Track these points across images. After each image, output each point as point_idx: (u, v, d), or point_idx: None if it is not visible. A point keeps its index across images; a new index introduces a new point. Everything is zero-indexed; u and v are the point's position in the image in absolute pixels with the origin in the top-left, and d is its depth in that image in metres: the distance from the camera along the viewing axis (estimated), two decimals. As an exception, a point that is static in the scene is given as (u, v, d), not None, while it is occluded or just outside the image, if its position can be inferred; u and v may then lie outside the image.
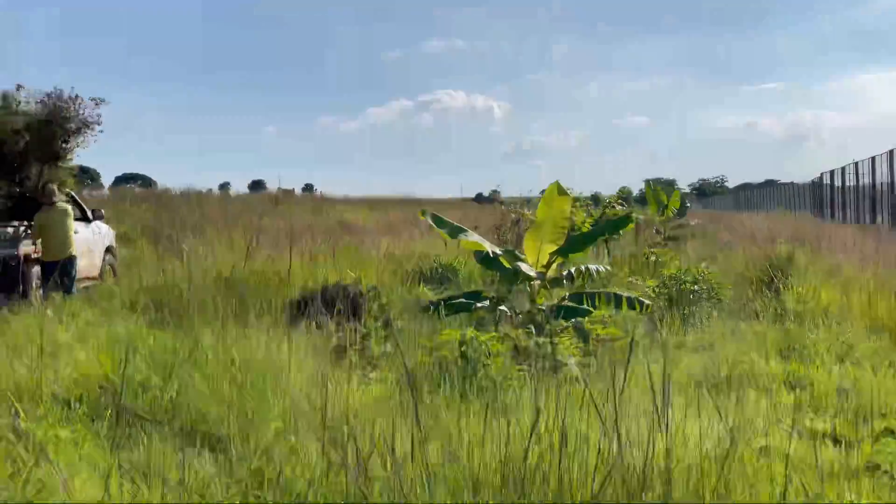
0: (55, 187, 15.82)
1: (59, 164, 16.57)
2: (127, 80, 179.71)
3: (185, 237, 20.24)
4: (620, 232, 11.06)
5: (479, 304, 11.03)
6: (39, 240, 15.28)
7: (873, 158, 45.36)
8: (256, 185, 65.66)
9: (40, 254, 15.22)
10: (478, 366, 8.73)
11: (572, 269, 11.13)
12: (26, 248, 15.09)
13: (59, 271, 14.54)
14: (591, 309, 10.61)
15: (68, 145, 16.82)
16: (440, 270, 16.58)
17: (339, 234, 21.64)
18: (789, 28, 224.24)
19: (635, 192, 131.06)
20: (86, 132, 16.85)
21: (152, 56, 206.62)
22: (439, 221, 11.52)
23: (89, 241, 17.32)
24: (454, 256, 17.38)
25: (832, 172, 55.10)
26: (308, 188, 73.77)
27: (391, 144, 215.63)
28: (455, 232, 11.39)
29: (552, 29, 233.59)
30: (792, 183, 71.06)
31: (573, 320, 10.56)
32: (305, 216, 34.09)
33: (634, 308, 10.91)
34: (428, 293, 13.85)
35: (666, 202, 25.72)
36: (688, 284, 14.39)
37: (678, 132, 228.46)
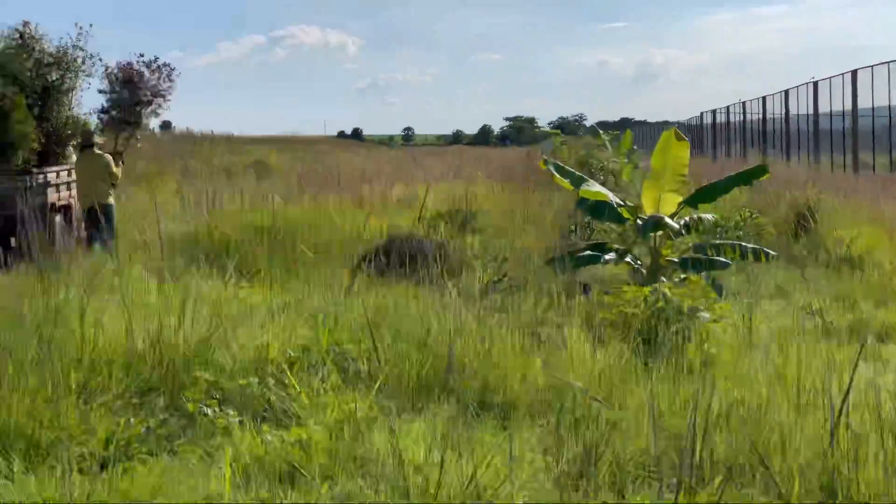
0: (93, 130, 15.06)
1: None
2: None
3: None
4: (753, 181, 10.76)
5: (606, 257, 10.66)
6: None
7: (743, 103, 46.26)
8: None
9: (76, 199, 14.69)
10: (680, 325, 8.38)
11: (687, 219, 10.83)
12: (52, 195, 14.17)
13: (99, 218, 13.88)
14: (722, 259, 10.37)
15: None
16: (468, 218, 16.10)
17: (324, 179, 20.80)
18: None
19: (496, 129, 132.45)
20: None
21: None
22: (561, 170, 11.08)
23: None
24: (467, 204, 16.85)
25: (714, 112, 56.28)
26: (166, 125, 70.99)
27: (245, 80, 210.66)
28: (577, 181, 10.96)
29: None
30: (678, 122, 72.16)
31: (704, 273, 10.30)
32: (226, 157, 32.96)
33: (759, 259, 10.70)
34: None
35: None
36: (732, 231, 14.28)
37: (532, 70, 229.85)
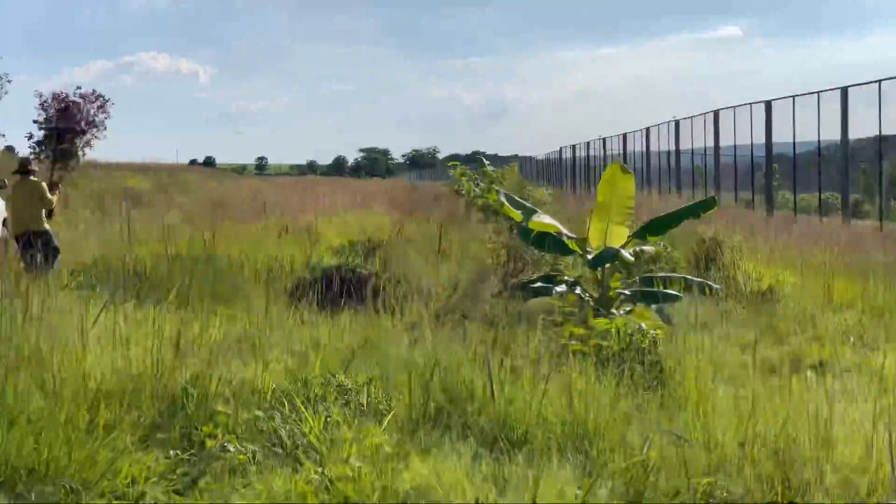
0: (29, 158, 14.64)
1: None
2: None
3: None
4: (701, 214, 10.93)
5: (558, 289, 10.68)
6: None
7: (603, 139, 47.36)
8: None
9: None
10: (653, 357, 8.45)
11: (634, 251, 10.94)
12: None
13: (33, 245, 13.52)
14: (671, 293, 10.51)
15: None
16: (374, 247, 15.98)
17: (213, 209, 20.37)
18: (491, 4, 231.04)
19: (350, 160, 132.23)
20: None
21: None
22: (513, 202, 11.08)
23: None
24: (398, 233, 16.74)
25: (574, 147, 57.36)
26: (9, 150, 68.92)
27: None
28: (529, 213, 10.96)
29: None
30: (530, 157, 73.32)
31: (654, 306, 10.42)
32: (95, 184, 32.00)
33: (704, 293, 10.88)
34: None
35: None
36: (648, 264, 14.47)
37: (385, 102, 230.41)
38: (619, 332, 8.62)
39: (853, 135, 29.45)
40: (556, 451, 6.31)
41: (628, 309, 10.58)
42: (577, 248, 10.92)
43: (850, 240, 21.54)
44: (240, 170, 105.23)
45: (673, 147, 42.14)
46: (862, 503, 5.45)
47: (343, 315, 10.45)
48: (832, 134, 30.17)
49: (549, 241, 11.05)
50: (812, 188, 32.94)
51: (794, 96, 31.85)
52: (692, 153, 40.71)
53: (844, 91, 28.74)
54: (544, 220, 10.91)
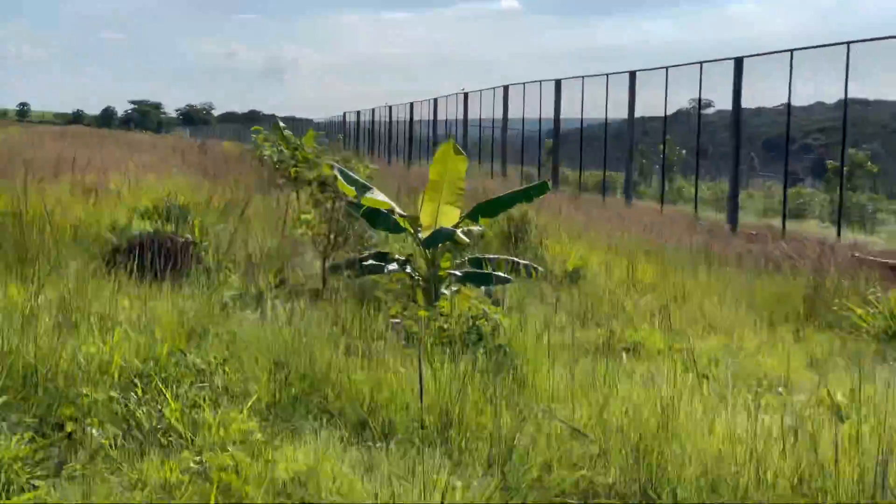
0: None
1: None
2: None
3: None
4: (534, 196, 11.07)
5: (390, 267, 10.67)
6: None
7: (389, 106, 47.70)
8: None
9: None
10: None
11: (464, 231, 11.01)
12: None
13: None
14: (502, 276, 10.66)
15: None
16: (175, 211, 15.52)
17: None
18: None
19: (119, 112, 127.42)
20: None
21: None
22: (346, 177, 10.95)
23: None
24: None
25: (358, 112, 57.28)
26: None
27: None
28: (363, 189, 10.86)
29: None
30: (309, 119, 72.81)
31: (483, 287, 10.56)
32: None
33: (531, 274, 11.09)
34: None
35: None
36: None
37: (157, 54, 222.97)
38: (460, 316, 8.68)
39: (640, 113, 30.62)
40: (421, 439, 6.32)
41: (455, 289, 10.66)
42: (408, 227, 10.91)
43: (640, 220, 22.40)
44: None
45: (461, 117, 42.69)
46: None
47: (164, 285, 10.10)
48: (619, 113, 31.20)
49: (380, 219, 11.00)
50: (596, 166, 34.00)
51: (583, 76, 32.76)
52: (480, 125, 41.36)
53: (632, 74, 29.74)
54: (378, 198, 10.85)
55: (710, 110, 33.30)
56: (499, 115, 39.35)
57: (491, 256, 11.13)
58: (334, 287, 10.82)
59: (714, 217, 27.37)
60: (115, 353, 6.88)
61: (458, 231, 10.66)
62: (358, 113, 57.33)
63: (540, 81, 35.48)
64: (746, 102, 25.36)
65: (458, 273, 10.68)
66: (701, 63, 26.01)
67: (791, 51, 22.26)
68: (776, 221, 25.74)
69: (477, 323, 8.67)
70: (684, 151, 35.35)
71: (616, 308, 12.76)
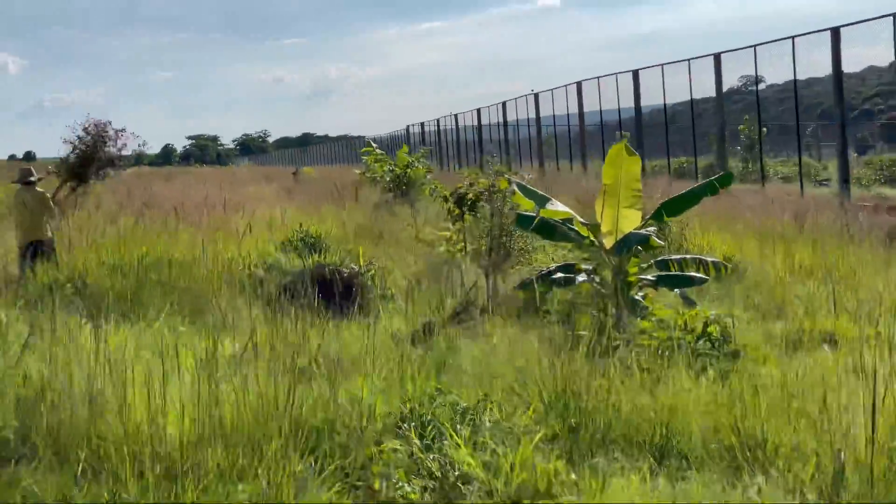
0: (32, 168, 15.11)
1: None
2: None
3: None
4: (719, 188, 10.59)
5: (580, 278, 10.28)
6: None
7: (455, 115, 47.42)
8: None
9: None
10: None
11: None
12: None
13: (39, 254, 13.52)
14: (699, 276, 10.22)
15: None
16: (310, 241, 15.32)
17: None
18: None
19: (179, 149, 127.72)
20: None
21: None
22: (525, 190, 10.58)
23: None
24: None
25: (422, 124, 57.04)
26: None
27: None
28: (542, 201, 10.48)
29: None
30: (361, 136, 72.77)
31: (677, 290, 10.14)
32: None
33: (720, 271, 10.63)
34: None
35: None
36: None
37: (208, 88, 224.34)
38: (685, 324, 8.29)
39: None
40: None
41: (641, 295, 10.27)
42: (590, 235, 10.51)
43: (752, 203, 21.77)
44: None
45: (533, 116, 42.31)
46: None
47: (352, 319, 9.76)
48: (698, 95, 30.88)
49: (556, 229, 10.61)
50: (677, 152, 33.57)
51: (662, 65, 32.32)
52: (554, 122, 40.95)
53: (717, 57, 29.23)
54: (558, 208, 10.46)
55: (761, 86, 32.88)
56: (573, 110, 38.93)
57: (675, 257, 10.67)
58: (517, 304, 10.40)
59: (814, 192, 26.65)
60: (377, 399, 6.54)
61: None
62: (422, 125, 57.11)
63: (616, 74, 35.01)
64: (800, 74, 25.72)
65: (649, 277, 10.26)
66: (793, 38, 25.37)
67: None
68: (884, 190, 25.08)
69: (709, 329, 8.26)
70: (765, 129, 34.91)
71: (787, 296, 12.26)
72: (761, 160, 29.38)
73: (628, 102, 34.56)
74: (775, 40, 26.51)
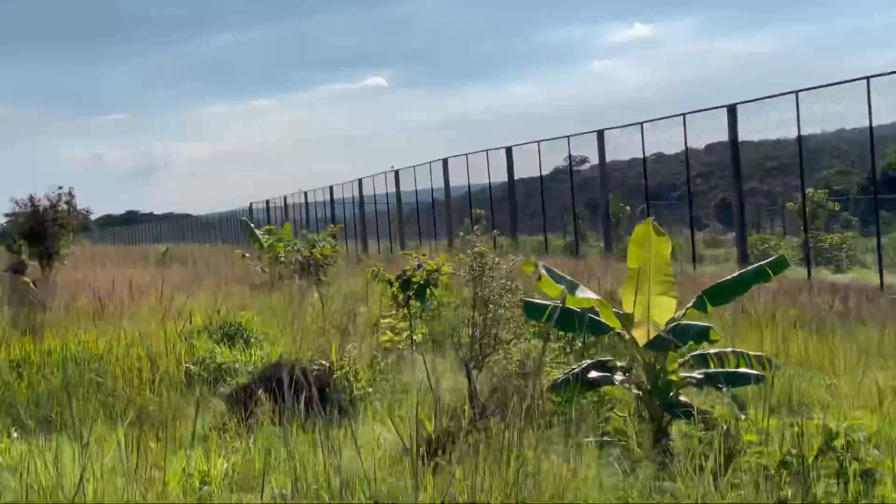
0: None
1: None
2: None
3: None
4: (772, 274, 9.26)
5: (617, 378, 8.81)
6: None
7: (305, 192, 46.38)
8: None
9: None
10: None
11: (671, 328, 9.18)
12: None
13: None
14: (753, 373, 8.89)
15: None
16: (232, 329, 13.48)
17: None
18: (127, 60, 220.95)
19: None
20: None
21: None
22: (554, 275, 9.06)
23: None
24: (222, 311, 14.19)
25: (267, 202, 55.14)
26: None
27: None
28: (573, 288, 8.98)
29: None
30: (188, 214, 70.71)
31: (724, 389, 8.76)
32: None
33: (764, 367, 9.31)
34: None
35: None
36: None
37: (23, 163, 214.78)
38: (799, 436, 6.89)
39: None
40: None
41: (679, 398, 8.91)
42: (620, 327, 9.07)
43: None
44: None
45: (392, 191, 41.25)
46: None
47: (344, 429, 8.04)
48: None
49: (577, 319, 9.14)
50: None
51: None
52: (417, 198, 40.11)
53: (601, 133, 28.78)
54: (589, 296, 9.00)
55: (585, 166, 33.70)
56: (431, 186, 38.12)
57: (712, 351, 9.29)
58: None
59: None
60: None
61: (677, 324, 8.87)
62: (267, 202, 55.11)
63: (486, 150, 34.36)
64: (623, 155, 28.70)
65: (695, 375, 8.86)
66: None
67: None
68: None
69: (833, 444, 6.87)
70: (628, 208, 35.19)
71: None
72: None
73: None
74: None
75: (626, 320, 9.08)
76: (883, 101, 19.71)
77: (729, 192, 26.17)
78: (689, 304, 9.16)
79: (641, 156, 27.72)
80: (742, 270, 9.75)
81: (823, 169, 39.81)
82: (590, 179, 33.74)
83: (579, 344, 11.22)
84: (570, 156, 31.58)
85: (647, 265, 9.16)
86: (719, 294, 9.24)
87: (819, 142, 34.23)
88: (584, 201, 34.63)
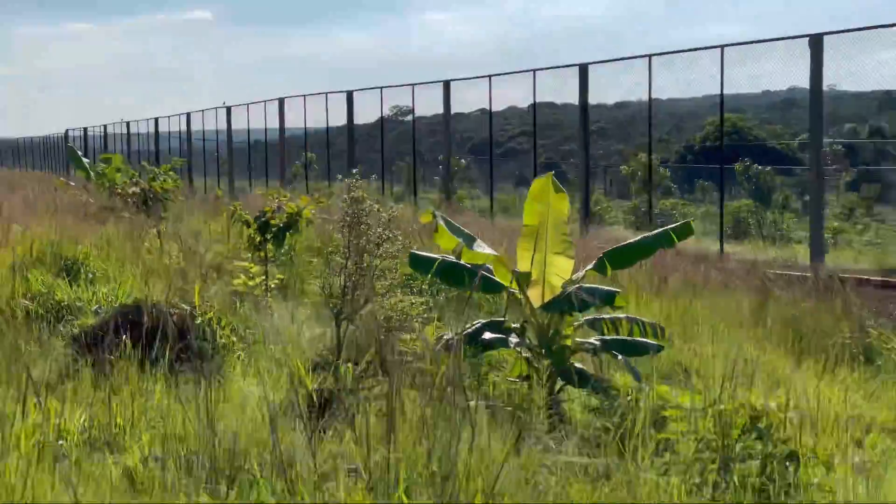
0: None
1: None
2: None
3: None
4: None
5: (512, 339, 8.23)
6: None
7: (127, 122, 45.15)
8: None
9: None
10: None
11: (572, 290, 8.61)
12: None
13: None
14: (651, 342, 8.44)
15: None
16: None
17: None
18: None
19: None
20: None
21: None
22: (452, 227, 8.36)
23: None
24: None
25: (85, 129, 52.74)
26: None
27: None
28: (470, 241, 8.32)
29: None
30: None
31: (621, 357, 8.30)
32: None
33: (657, 335, 8.87)
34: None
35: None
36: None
37: None
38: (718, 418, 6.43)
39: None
40: None
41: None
42: (515, 287, 8.46)
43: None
44: None
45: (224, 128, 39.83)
46: None
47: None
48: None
49: (466, 276, 8.49)
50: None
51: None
52: (249, 137, 38.85)
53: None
54: (485, 251, 8.36)
55: (408, 117, 33.78)
56: (265, 125, 37.00)
57: (606, 316, 8.78)
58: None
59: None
60: None
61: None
62: (85, 129, 52.56)
63: (326, 94, 33.46)
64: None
65: (592, 342, 8.34)
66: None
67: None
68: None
69: (758, 424, 6.43)
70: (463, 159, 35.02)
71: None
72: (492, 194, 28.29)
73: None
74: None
75: (523, 279, 8.49)
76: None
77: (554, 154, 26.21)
78: (590, 266, 8.62)
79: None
80: (644, 235, 9.27)
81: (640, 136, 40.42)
82: (409, 131, 33.52)
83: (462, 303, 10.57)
84: (413, 105, 30.89)
85: (544, 222, 8.60)
86: (621, 257, 8.73)
87: (636, 110, 34.59)
88: (408, 152, 34.23)
